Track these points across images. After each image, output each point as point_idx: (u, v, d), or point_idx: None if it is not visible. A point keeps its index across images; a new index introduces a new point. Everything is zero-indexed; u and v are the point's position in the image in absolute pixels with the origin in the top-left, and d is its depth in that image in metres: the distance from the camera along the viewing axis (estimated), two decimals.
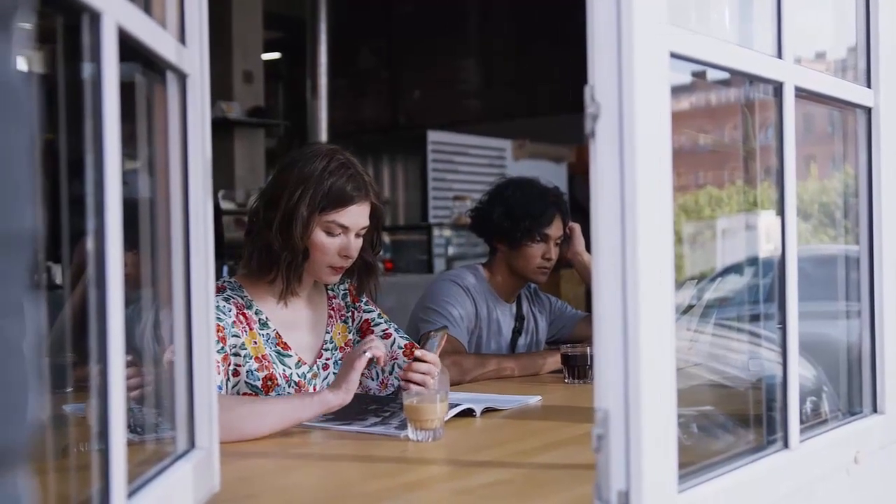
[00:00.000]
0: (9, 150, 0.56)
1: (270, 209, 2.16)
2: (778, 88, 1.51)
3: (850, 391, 1.85)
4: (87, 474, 1.09)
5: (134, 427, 1.29)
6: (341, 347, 2.32)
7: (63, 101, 1.03)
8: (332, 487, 1.60)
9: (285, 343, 2.21)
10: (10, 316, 0.56)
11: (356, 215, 2.18)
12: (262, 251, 2.17)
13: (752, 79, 1.54)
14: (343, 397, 1.93)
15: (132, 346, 1.15)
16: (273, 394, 2.13)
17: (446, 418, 1.92)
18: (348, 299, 2.39)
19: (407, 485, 1.58)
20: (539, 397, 2.35)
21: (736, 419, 1.69)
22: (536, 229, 2.96)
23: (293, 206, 2.12)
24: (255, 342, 2.15)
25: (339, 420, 1.99)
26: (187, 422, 1.34)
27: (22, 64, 0.61)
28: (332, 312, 2.34)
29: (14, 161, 0.56)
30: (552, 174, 7.03)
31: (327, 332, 2.31)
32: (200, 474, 1.32)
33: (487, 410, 2.16)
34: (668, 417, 1.20)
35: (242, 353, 2.12)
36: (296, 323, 2.26)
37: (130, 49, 1.09)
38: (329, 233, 2.16)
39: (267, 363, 2.15)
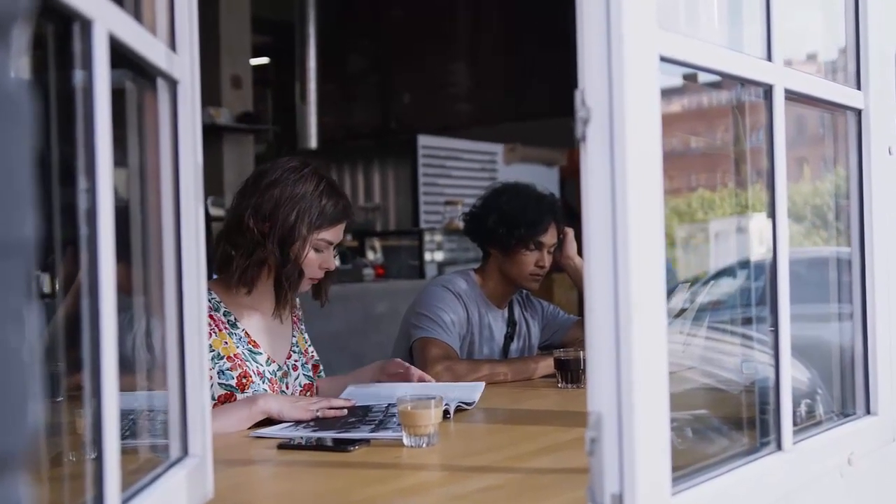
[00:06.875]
0: (10, 158, 0.56)
1: (261, 223, 2.22)
2: (768, 91, 1.51)
3: (843, 393, 1.85)
4: (77, 483, 1.08)
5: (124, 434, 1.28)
6: (304, 352, 2.43)
7: (52, 107, 1.03)
8: (326, 494, 1.60)
9: (255, 341, 2.29)
10: (10, 323, 0.57)
11: (341, 232, 2.32)
12: (255, 266, 2.23)
13: (743, 81, 1.54)
14: (276, 408, 2.06)
15: (124, 355, 1.14)
16: (249, 390, 2.20)
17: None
18: (300, 313, 2.50)
19: (402, 490, 1.57)
20: (482, 384, 2.40)
21: (729, 422, 1.69)
22: (531, 237, 2.94)
23: (291, 225, 2.21)
24: (226, 342, 2.22)
25: (338, 429, 1.98)
26: (180, 429, 1.34)
27: (21, 71, 0.62)
28: (295, 319, 2.45)
29: (15, 169, 0.57)
30: (543, 178, 7.03)
31: (293, 336, 2.42)
32: (194, 482, 1.32)
33: (460, 409, 2.19)
34: (662, 420, 1.20)
35: (210, 354, 2.16)
36: (264, 327, 2.33)
37: (119, 55, 1.09)
38: (317, 249, 2.27)
39: (240, 361, 2.22)
